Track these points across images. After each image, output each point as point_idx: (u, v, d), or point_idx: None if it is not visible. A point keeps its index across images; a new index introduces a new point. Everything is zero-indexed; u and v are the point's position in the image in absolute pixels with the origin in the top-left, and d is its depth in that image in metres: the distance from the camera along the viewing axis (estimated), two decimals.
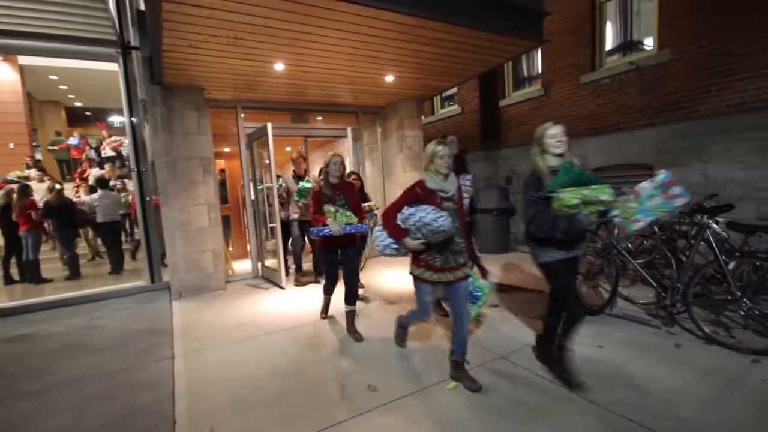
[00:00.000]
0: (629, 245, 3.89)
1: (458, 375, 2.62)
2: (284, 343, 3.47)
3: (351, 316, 3.60)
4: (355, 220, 3.43)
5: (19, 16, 4.83)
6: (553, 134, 2.38)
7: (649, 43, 5.40)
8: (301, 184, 5.12)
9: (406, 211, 2.49)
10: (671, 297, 3.32)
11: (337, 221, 3.33)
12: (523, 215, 3.51)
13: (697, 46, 4.69)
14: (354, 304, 3.63)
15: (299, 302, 4.66)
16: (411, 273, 2.63)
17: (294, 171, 5.56)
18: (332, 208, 3.38)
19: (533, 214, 2.35)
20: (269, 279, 5.77)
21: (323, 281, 3.83)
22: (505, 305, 4.06)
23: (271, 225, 5.61)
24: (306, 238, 5.63)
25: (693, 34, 4.71)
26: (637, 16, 5.57)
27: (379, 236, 2.66)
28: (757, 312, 2.94)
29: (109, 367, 3.20)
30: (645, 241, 4.08)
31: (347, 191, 3.56)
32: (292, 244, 5.72)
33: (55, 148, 11.09)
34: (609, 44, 5.94)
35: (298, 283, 5.43)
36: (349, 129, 6.25)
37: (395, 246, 2.61)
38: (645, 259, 3.96)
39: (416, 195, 2.49)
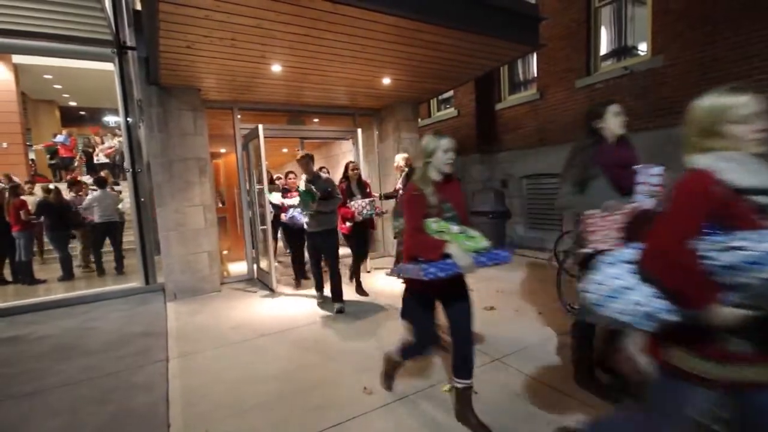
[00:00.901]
0: None
1: None
2: (279, 346, 3.46)
3: (468, 395, 2.19)
4: (485, 242, 1.98)
5: (13, 15, 4.81)
6: None
7: (643, 48, 5.46)
8: (300, 187, 4.25)
9: (745, 244, 1.06)
10: None
11: (463, 247, 1.89)
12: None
13: (689, 52, 4.75)
14: (470, 376, 2.16)
15: (293, 305, 4.65)
16: (671, 363, 1.27)
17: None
18: (452, 227, 1.97)
19: None
20: (263, 281, 5.75)
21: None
22: (501, 306, 4.07)
23: (262, 227, 5.54)
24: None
25: (686, 41, 4.77)
26: (632, 22, 5.63)
27: (632, 292, 1.25)
28: None
29: (103, 370, 3.18)
30: None
31: (455, 195, 2.11)
32: (310, 260, 4.74)
33: (41, 146, 11.09)
34: (604, 49, 5.99)
35: (321, 301, 4.56)
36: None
37: (665, 314, 1.20)
38: None
39: (713, 203, 1.15)
